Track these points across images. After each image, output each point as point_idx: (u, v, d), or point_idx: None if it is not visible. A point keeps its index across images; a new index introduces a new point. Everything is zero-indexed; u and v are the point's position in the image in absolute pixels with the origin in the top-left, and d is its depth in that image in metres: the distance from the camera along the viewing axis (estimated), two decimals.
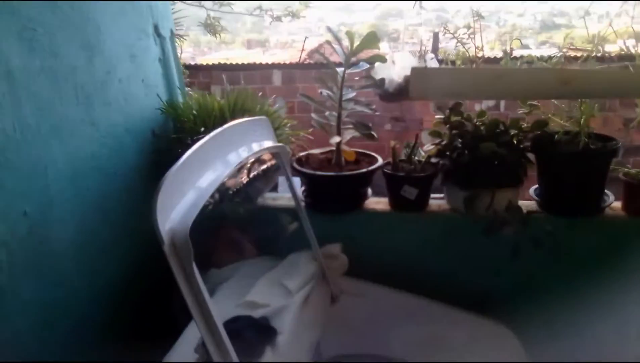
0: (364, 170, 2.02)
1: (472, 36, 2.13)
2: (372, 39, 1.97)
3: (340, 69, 2.02)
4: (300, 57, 9.87)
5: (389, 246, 2.07)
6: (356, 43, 1.97)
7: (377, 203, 2.16)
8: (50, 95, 1.45)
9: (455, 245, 2.09)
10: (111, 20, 1.74)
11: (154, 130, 1.99)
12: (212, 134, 1.33)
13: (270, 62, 6.51)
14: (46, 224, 1.45)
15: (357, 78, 2.05)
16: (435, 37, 7.04)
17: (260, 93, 2.24)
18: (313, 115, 2.06)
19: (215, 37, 6.63)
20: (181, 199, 1.16)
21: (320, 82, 2.06)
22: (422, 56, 2.09)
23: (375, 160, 2.12)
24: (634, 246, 1.97)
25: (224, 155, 1.37)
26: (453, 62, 2.10)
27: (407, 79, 2.04)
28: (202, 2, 5.87)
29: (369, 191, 2.18)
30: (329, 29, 2.01)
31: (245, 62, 6.50)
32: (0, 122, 1.30)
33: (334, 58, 2.06)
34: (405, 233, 2.11)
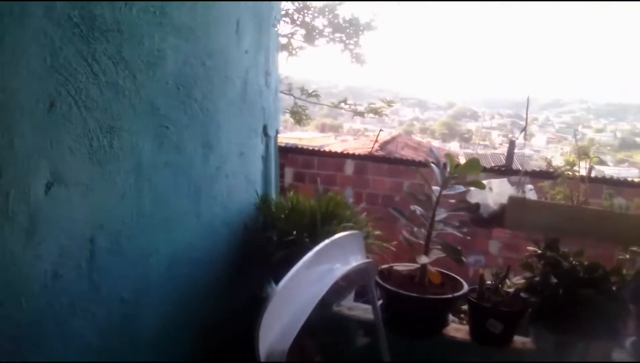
0: (450, 296, 1.96)
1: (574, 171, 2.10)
2: (473, 165, 1.98)
3: (436, 189, 2.02)
4: (372, 147, 10.10)
5: None
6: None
7: (457, 330, 2.07)
8: (167, 188, 1.55)
9: None
10: (229, 120, 1.87)
11: (246, 224, 2.05)
12: (314, 251, 1.35)
13: (344, 151, 6.69)
14: (138, 312, 1.49)
15: (452, 200, 2.04)
16: (511, 144, 7.01)
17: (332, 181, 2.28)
18: (404, 232, 2.05)
19: (300, 125, 6.97)
20: (283, 318, 1.16)
21: (413, 199, 2.07)
22: (520, 186, 2.07)
23: (461, 285, 2.05)
24: None
25: (324, 273, 1.38)
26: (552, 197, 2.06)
27: (502, 207, 2.01)
28: (292, 92, 6.25)
29: (450, 316, 2.09)
30: (430, 150, 2.04)
31: (318, 146, 6.69)
32: (121, 211, 1.38)
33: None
34: None
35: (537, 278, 1.99)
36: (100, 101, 1.30)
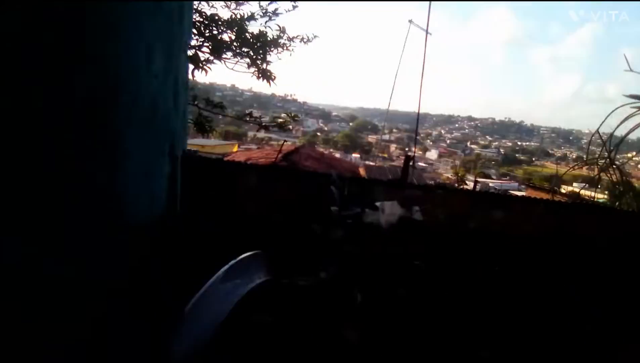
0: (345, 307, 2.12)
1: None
2: (367, 189, 2.18)
3: (334, 209, 2.20)
4: (276, 158, 10.25)
5: None
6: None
7: None
8: (69, 210, 1.55)
9: None
10: (136, 142, 1.89)
11: (155, 243, 2.08)
12: (220, 272, 1.46)
13: (248, 162, 6.74)
14: None
15: (349, 221, 2.22)
16: (407, 158, 7.51)
17: None
18: (305, 250, 2.19)
19: (203, 136, 6.90)
20: (196, 330, 1.24)
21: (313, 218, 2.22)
22: (408, 207, 2.31)
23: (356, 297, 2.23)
24: None
25: (230, 292, 1.48)
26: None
27: (392, 227, 2.23)
28: (196, 102, 6.19)
29: None
30: (330, 174, 2.21)
31: (221, 153, 6.66)
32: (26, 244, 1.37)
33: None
34: None
35: None
36: None
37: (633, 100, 2.10)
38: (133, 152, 1.87)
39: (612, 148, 2.21)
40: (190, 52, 5.25)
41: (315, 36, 6.24)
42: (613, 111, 2.20)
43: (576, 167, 2.59)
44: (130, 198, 1.90)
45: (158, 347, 1.26)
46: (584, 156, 2.62)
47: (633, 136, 2.43)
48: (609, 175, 2.24)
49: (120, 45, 1.71)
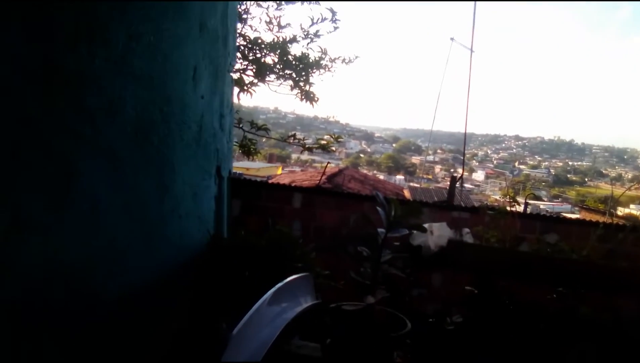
0: (395, 335, 2.05)
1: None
2: (415, 209, 2.12)
3: (381, 231, 2.14)
4: (320, 180, 10.26)
5: None
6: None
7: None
8: (121, 229, 1.57)
9: None
10: (184, 162, 1.92)
11: (200, 264, 2.08)
12: (267, 295, 1.42)
13: (292, 184, 6.76)
14: (90, 339, 1.49)
15: (396, 243, 2.16)
16: (453, 179, 7.35)
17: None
18: (352, 273, 2.14)
19: (248, 158, 7.00)
20: (243, 354, 1.22)
21: (360, 241, 2.17)
22: (458, 230, 2.22)
23: (405, 323, 2.15)
24: None
25: (276, 315, 1.44)
26: (487, 239, 2.22)
27: (442, 249, 2.15)
28: (241, 125, 6.29)
29: (395, 353, 2.19)
30: (377, 195, 2.16)
31: (265, 176, 6.70)
32: (75, 252, 1.40)
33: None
34: None
35: (473, 316, 2.13)
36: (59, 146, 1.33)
37: None
38: (181, 172, 1.90)
39: None
40: (235, 76, 5.37)
41: (356, 57, 6.26)
42: None
43: (633, 188, 2.44)
44: (179, 219, 1.92)
45: None
46: None
47: None
48: None
49: (167, 66, 1.75)
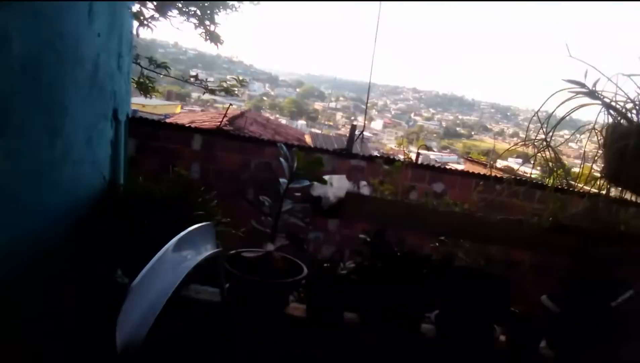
0: (290, 280, 2.16)
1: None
2: (317, 162, 2.19)
3: (283, 181, 2.20)
4: (221, 122, 10.04)
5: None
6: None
7: (296, 309, 2.29)
8: (8, 174, 1.47)
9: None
10: (77, 104, 1.80)
11: (95, 211, 2.01)
12: (169, 246, 1.43)
13: (192, 125, 6.56)
14: None
15: (297, 194, 2.23)
16: (352, 128, 7.60)
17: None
18: (253, 222, 2.20)
19: (146, 97, 6.64)
20: (139, 309, 1.23)
21: (262, 191, 2.22)
22: (356, 182, 2.34)
23: (302, 269, 2.27)
24: None
25: (177, 264, 1.46)
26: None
27: (341, 200, 2.27)
28: (139, 61, 5.92)
29: (292, 297, 2.31)
30: (280, 146, 2.20)
31: (163, 114, 6.45)
32: None
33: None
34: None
35: (365, 263, 2.30)
36: None
37: (571, 84, 2.20)
38: (74, 114, 1.78)
39: (549, 130, 2.32)
40: (134, 9, 4.99)
41: None
42: (553, 95, 2.29)
43: (516, 145, 2.73)
44: (72, 164, 1.82)
45: (103, 319, 1.24)
46: (520, 133, 2.73)
47: (568, 118, 2.55)
48: (543, 154, 2.36)
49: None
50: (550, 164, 2.40)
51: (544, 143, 2.36)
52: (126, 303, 1.10)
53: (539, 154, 2.44)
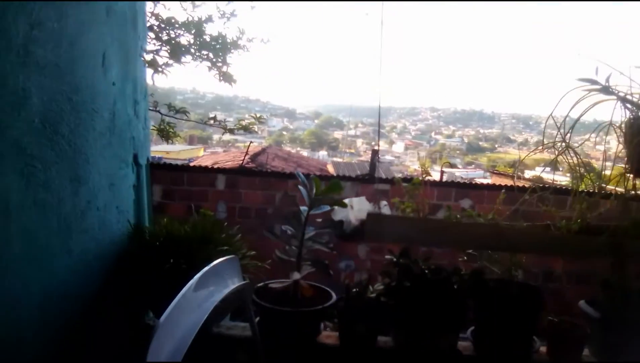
0: (319, 307, 2.15)
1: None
2: (335, 186, 2.20)
3: (304, 209, 2.21)
4: (243, 160, 10.17)
5: None
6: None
7: (328, 337, 2.27)
8: (37, 227, 1.52)
9: None
10: (98, 152, 1.86)
11: (121, 255, 2.05)
12: (194, 280, 1.44)
13: (214, 166, 6.65)
14: (11, 348, 1.45)
15: (318, 219, 2.24)
16: (374, 152, 7.58)
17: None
18: (276, 252, 2.20)
19: (167, 142, 6.79)
20: (168, 346, 1.24)
21: (284, 220, 2.23)
22: (377, 203, 2.34)
23: (330, 296, 2.25)
24: None
25: (204, 299, 1.47)
26: (404, 210, 2.35)
27: (363, 223, 2.26)
28: (158, 108, 6.09)
29: (322, 325, 2.29)
30: (298, 174, 2.22)
31: (187, 159, 6.56)
32: None
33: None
34: None
35: (393, 283, 2.27)
36: None
37: (583, 83, 2.17)
38: (96, 163, 1.85)
39: (567, 131, 2.28)
40: (148, 57, 5.16)
41: (274, 36, 6.24)
42: (565, 95, 2.26)
43: (534, 152, 2.68)
44: (96, 211, 1.88)
45: (134, 360, 1.25)
46: (545, 141, 2.71)
47: (590, 119, 2.51)
48: (566, 158, 2.32)
49: (74, 52, 1.68)
50: (577, 168, 2.35)
51: (563, 145, 2.32)
52: (154, 341, 1.11)
53: (563, 158, 2.39)
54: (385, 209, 2.33)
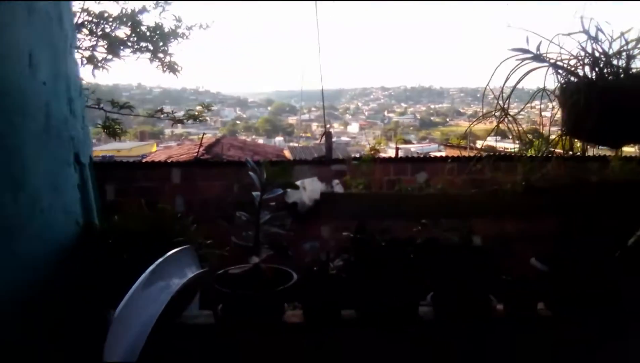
0: (281, 288, 2.16)
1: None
2: (284, 169, 2.21)
3: (256, 194, 2.21)
4: (198, 152, 10.02)
5: None
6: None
7: (293, 315, 2.29)
8: None
9: None
10: (35, 154, 1.80)
11: (72, 256, 2.00)
12: (147, 272, 1.43)
13: (169, 160, 6.54)
14: None
15: (272, 203, 2.24)
16: (328, 135, 7.64)
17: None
18: (233, 238, 2.20)
19: (116, 139, 6.61)
20: (126, 339, 1.23)
21: (238, 206, 2.23)
22: (329, 182, 2.37)
23: (291, 276, 2.27)
24: None
25: (161, 290, 1.46)
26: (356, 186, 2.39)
27: (316, 202, 2.29)
28: (101, 105, 5.90)
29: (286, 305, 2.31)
30: (247, 161, 2.22)
31: (140, 155, 6.46)
32: None
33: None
34: None
35: (352, 259, 2.31)
36: None
37: (516, 52, 2.25)
38: (34, 165, 1.78)
39: (505, 100, 2.36)
40: (86, 53, 5.00)
41: (213, 22, 6.11)
42: (499, 65, 2.34)
43: (475, 123, 2.77)
44: (41, 213, 1.82)
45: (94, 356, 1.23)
46: (492, 111, 2.79)
47: (533, 87, 2.60)
48: (506, 126, 2.40)
49: None
50: (520, 134, 2.44)
51: (503, 114, 2.40)
52: (110, 335, 1.10)
53: (505, 126, 2.47)
54: (337, 187, 2.37)
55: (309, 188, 2.26)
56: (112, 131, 5.93)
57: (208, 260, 2.32)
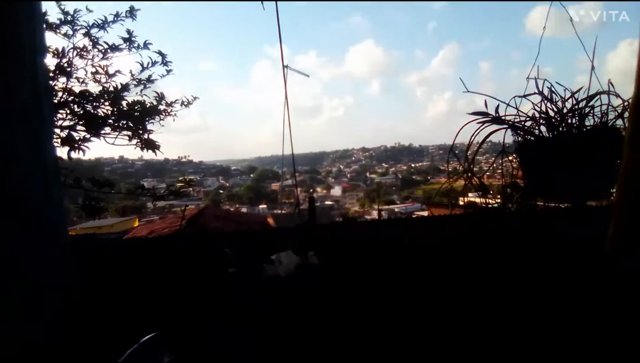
0: None
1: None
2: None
3: (232, 270, 2.21)
4: (180, 225, 9.93)
5: None
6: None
7: None
8: None
9: None
10: (15, 246, 1.79)
11: None
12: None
13: (151, 236, 6.47)
14: None
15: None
16: (311, 200, 7.65)
17: None
18: None
19: (94, 218, 6.53)
20: None
21: None
22: (303, 254, 2.38)
23: None
24: None
25: None
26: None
27: (291, 275, 2.29)
28: (82, 184, 5.87)
29: None
30: (222, 235, 2.23)
31: (121, 230, 6.37)
32: None
33: None
34: None
35: None
36: None
37: (477, 116, 2.38)
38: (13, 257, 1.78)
39: (470, 161, 2.48)
40: (63, 134, 5.02)
41: (195, 98, 6.21)
42: (461, 128, 2.47)
43: (448, 185, 2.86)
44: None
45: None
46: (459, 172, 2.90)
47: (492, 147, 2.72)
48: (473, 183, 2.50)
49: None
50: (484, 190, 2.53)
51: (469, 175, 2.50)
52: None
53: (474, 183, 2.56)
54: (312, 258, 2.37)
55: (284, 262, 2.27)
56: (92, 211, 5.86)
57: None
